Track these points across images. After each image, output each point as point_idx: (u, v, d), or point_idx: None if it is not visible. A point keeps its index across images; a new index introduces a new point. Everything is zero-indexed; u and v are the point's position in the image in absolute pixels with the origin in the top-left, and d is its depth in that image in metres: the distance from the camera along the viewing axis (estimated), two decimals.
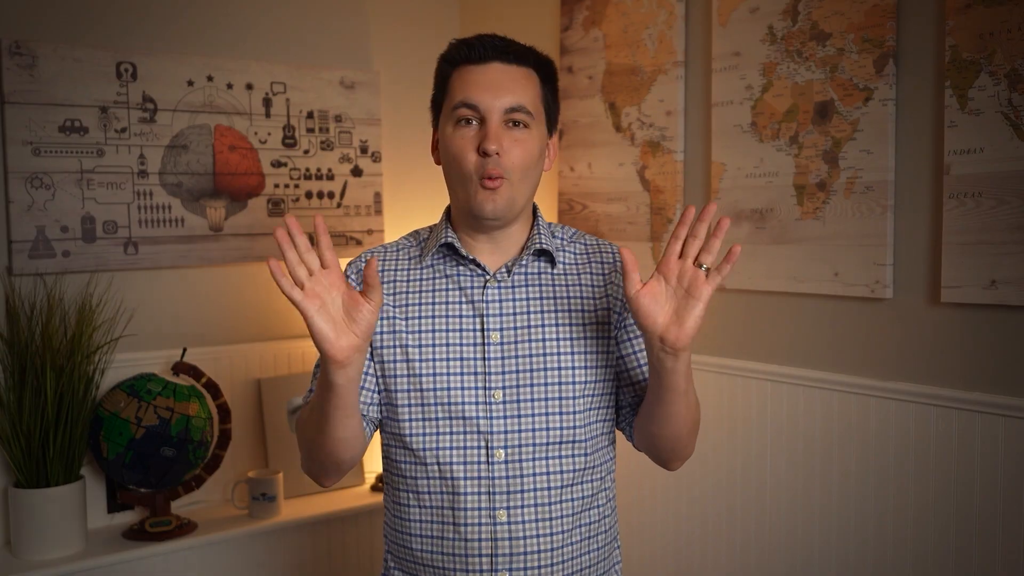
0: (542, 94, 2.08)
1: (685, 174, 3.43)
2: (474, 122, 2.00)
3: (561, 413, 2.02)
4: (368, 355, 2.08)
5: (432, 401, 2.01)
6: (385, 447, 2.13)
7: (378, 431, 2.17)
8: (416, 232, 2.21)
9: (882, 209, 2.82)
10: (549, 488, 2.02)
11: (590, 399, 2.05)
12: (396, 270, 2.12)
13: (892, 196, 2.82)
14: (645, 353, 2.09)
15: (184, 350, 3.63)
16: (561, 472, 2.03)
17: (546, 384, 2.02)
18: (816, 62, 2.97)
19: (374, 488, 3.93)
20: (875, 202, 2.84)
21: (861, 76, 2.86)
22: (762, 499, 3.18)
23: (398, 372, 2.04)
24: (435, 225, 2.17)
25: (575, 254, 2.14)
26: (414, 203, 4.24)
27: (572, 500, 2.05)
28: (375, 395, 2.09)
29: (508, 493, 1.99)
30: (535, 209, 2.16)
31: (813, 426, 3.03)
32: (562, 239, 2.16)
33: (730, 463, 3.27)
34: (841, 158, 2.91)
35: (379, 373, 2.07)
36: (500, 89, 2.00)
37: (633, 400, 2.12)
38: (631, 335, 2.10)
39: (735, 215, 3.20)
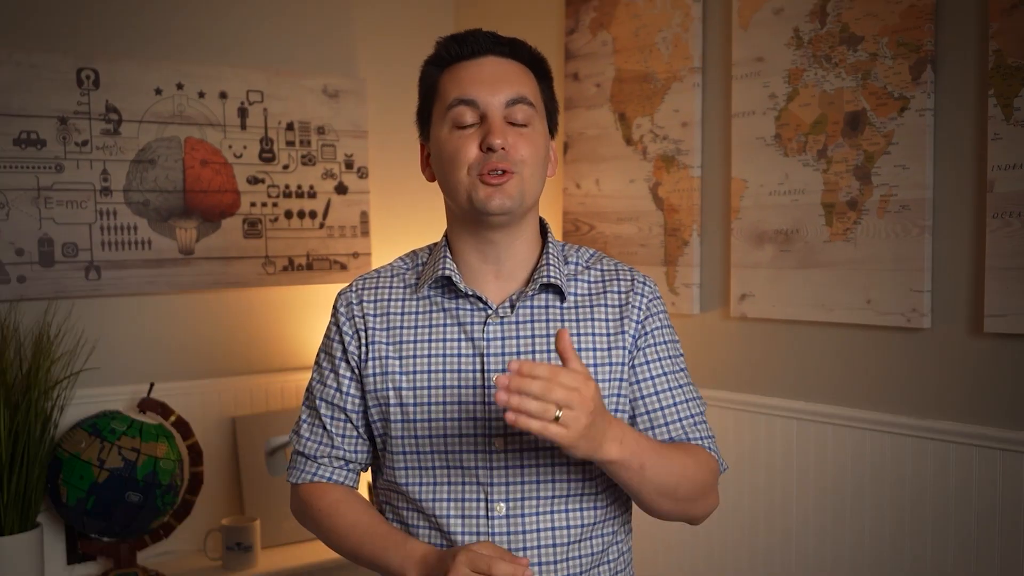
0: (540, 91, 2.07)
1: (702, 192, 3.43)
2: (473, 121, 1.98)
3: (569, 464, 1.99)
4: (359, 396, 2.08)
5: (428, 449, 1.99)
6: (385, 492, 2.12)
7: (374, 477, 2.17)
8: (414, 253, 2.18)
9: (919, 230, 2.81)
10: (554, 545, 1.99)
11: None
12: (390, 300, 2.10)
13: (930, 216, 2.81)
14: (652, 400, 2.06)
15: (151, 385, 3.61)
16: (568, 527, 2.00)
17: None
18: (846, 68, 2.97)
19: None
20: (911, 222, 2.83)
21: (896, 84, 2.85)
22: (787, 548, 3.16)
23: (392, 416, 2.02)
24: (434, 246, 2.15)
25: (589, 282, 2.10)
26: (404, 223, 4.24)
27: (580, 557, 2.02)
28: (364, 442, 2.11)
29: (509, 550, 1.96)
30: (545, 229, 2.14)
31: (843, 468, 3.02)
32: (576, 264, 2.12)
33: (752, 509, 3.26)
34: (874, 174, 2.91)
35: (374, 417, 2.06)
36: (499, 82, 1.99)
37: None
38: (640, 377, 2.06)
39: (757, 236, 3.19)
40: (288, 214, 3.95)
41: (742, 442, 3.28)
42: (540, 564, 1.98)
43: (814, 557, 3.09)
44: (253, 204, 3.88)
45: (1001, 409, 2.69)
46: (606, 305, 2.07)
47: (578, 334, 2.03)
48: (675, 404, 2.06)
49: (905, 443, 2.87)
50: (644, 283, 2.11)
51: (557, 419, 1.67)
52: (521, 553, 1.96)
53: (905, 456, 2.87)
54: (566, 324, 2.04)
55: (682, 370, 2.11)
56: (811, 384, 3.13)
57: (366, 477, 2.22)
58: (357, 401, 2.08)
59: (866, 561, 2.96)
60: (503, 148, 1.94)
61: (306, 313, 4.01)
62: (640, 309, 2.07)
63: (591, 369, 2.01)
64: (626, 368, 2.05)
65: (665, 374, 2.07)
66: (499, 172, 1.95)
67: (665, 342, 2.10)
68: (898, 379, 2.91)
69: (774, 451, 3.20)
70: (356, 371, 2.08)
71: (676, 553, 3.48)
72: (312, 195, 4.01)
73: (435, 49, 2.08)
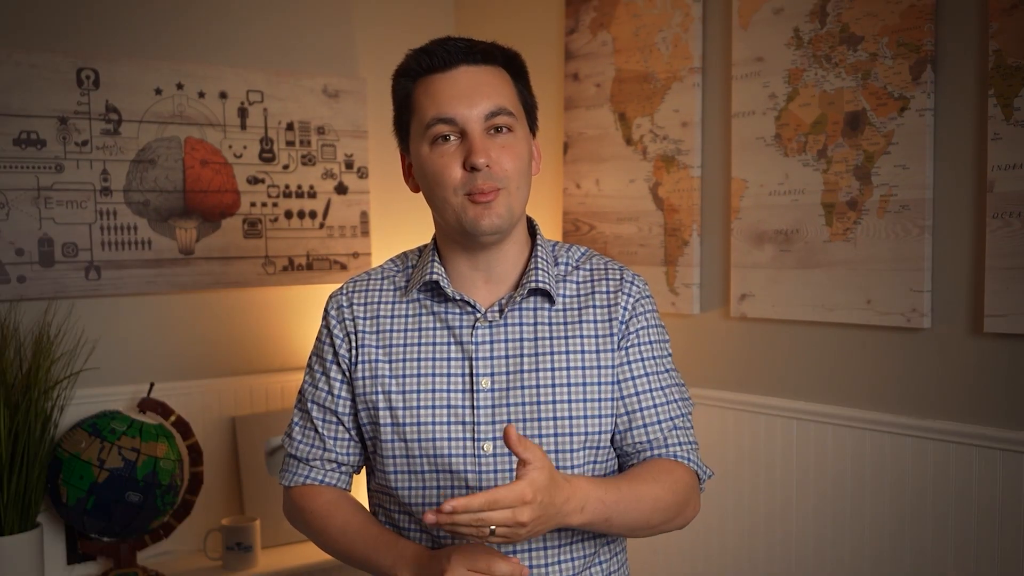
0: (517, 91, 2.05)
1: (702, 192, 3.42)
2: (452, 137, 1.96)
3: (558, 468, 1.98)
4: (350, 399, 2.08)
5: (417, 453, 1.99)
6: (377, 495, 2.12)
7: (367, 480, 2.17)
8: (404, 255, 2.18)
9: (919, 230, 2.81)
10: (546, 548, 2.00)
11: (592, 451, 2.02)
12: (380, 303, 2.09)
13: (930, 216, 2.80)
14: (633, 400, 2.05)
15: (151, 385, 3.61)
16: (559, 530, 2.00)
17: (541, 436, 1.98)
18: (846, 68, 2.96)
19: None
20: (911, 222, 2.82)
21: (896, 84, 2.85)
22: (787, 548, 3.16)
23: (382, 420, 2.02)
24: (424, 248, 2.14)
25: (578, 283, 2.09)
26: (404, 224, 4.23)
27: (572, 560, 2.03)
28: (356, 444, 2.11)
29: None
30: (534, 230, 2.13)
31: (843, 468, 3.01)
32: (566, 265, 2.11)
33: (752, 509, 3.25)
34: (874, 174, 2.90)
35: (364, 420, 2.06)
36: (475, 95, 1.96)
37: (620, 450, 2.08)
38: (620, 377, 2.04)
39: (757, 236, 3.19)
40: (288, 214, 3.95)
41: (742, 442, 3.28)
42: (532, 567, 1.99)
43: (814, 557, 3.09)
44: (253, 204, 3.87)
45: (1001, 409, 2.68)
46: (594, 306, 2.06)
47: (566, 337, 2.02)
48: (655, 406, 2.05)
49: (905, 443, 2.86)
50: (632, 283, 2.09)
51: (493, 532, 1.67)
52: (513, 556, 1.96)
53: (905, 456, 2.86)
54: (555, 327, 2.03)
55: (667, 371, 2.09)
56: (811, 384, 3.12)
57: (360, 479, 2.23)
58: (348, 404, 2.08)
59: (866, 561, 2.96)
60: (487, 166, 1.93)
61: (306, 313, 4.00)
62: (626, 309, 2.06)
63: (581, 372, 2.01)
64: (614, 370, 2.04)
65: (647, 374, 2.06)
66: (484, 192, 1.94)
67: (650, 342, 2.08)
68: (898, 379, 2.91)
69: (774, 451, 3.19)
70: (347, 374, 2.08)
71: (676, 553, 3.47)
72: (312, 195, 4.01)
73: (405, 61, 2.06)
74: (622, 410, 2.04)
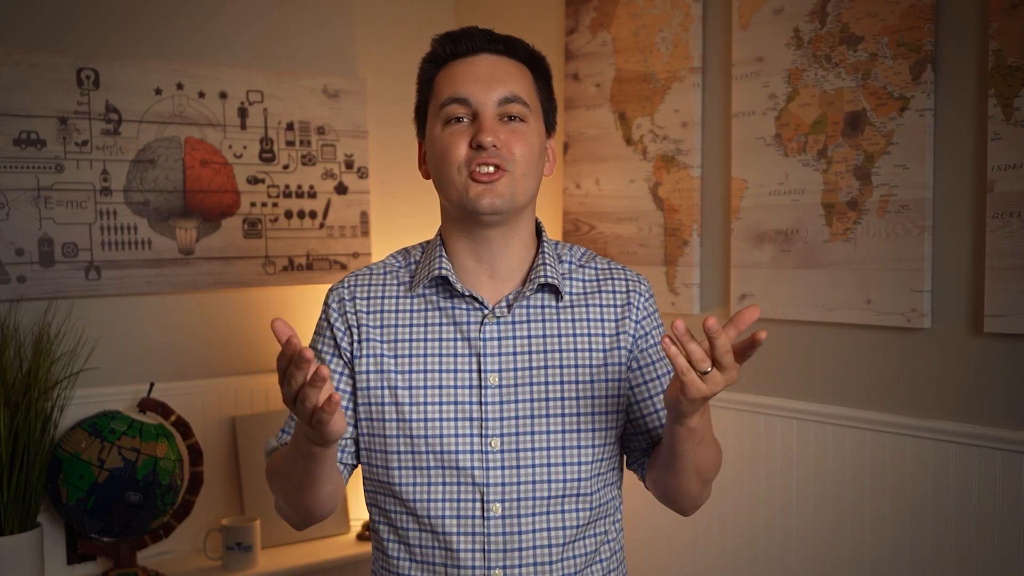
0: (536, 89, 2.07)
1: (702, 192, 3.42)
2: (465, 119, 1.98)
3: (565, 464, 1.99)
4: (350, 392, 2.07)
5: (423, 449, 1.98)
6: (372, 494, 2.10)
7: (363, 477, 2.16)
8: (406, 251, 2.17)
9: (919, 230, 2.81)
10: (550, 545, 2.00)
11: (600, 448, 2.03)
12: (383, 298, 2.08)
13: (930, 216, 2.80)
14: (661, 398, 2.07)
15: (151, 385, 3.61)
16: (563, 528, 2.00)
17: (548, 432, 1.99)
18: (847, 68, 2.96)
19: (360, 537, 3.91)
20: (911, 222, 2.82)
21: (896, 84, 2.85)
22: (787, 548, 3.15)
23: (386, 416, 2.01)
24: (427, 244, 2.14)
25: (584, 281, 2.10)
26: (404, 224, 4.23)
27: (575, 557, 2.03)
28: (346, 441, 2.08)
29: (505, 551, 1.97)
30: (540, 230, 2.13)
31: (843, 468, 3.01)
32: (570, 263, 2.12)
33: (752, 509, 3.25)
34: (874, 174, 2.90)
35: (362, 416, 2.05)
36: (492, 80, 1.99)
37: (647, 446, 2.10)
38: (647, 378, 2.08)
39: (757, 236, 3.19)
40: (288, 214, 3.95)
41: (742, 442, 3.28)
42: (536, 564, 1.99)
43: (814, 557, 3.08)
44: (253, 204, 3.87)
45: (1001, 409, 2.68)
46: (601, 305, 2.08)
47: (574, 334, 2.04)
48: None
49: (905, 443, 2.86)
50: (639, 282, 2.12)
51: (705, 373, 1.71)
52: (517, 554, 1.97)
53: (905, 456, 2.86)
54: (562, 324, 2.04)
55: None
56: (811, 384, 3.12)
57: (358, 477, 2.21)
58: (348, 397, 2.06)
59: (866, 561, 2.96)
60: (494, 146, 1.94)
61: (306, 313, 3.99)
62: (639, 308, 2.09)
63: (588, 369, 2.03)
64: (624, 368, 2.06)
65: (670, 372, 2.09)
66: (490, 169, 1.95)
67: None
68: (898, 379, 2.90)
69: (774, 451, 3.19)
70: (348, 367, 2.06)
71: (675, 553, 3.47)
72: (312, 195, 4.01)
73: (431, 47, 2.08)
74: (651, 409, 2.08)
